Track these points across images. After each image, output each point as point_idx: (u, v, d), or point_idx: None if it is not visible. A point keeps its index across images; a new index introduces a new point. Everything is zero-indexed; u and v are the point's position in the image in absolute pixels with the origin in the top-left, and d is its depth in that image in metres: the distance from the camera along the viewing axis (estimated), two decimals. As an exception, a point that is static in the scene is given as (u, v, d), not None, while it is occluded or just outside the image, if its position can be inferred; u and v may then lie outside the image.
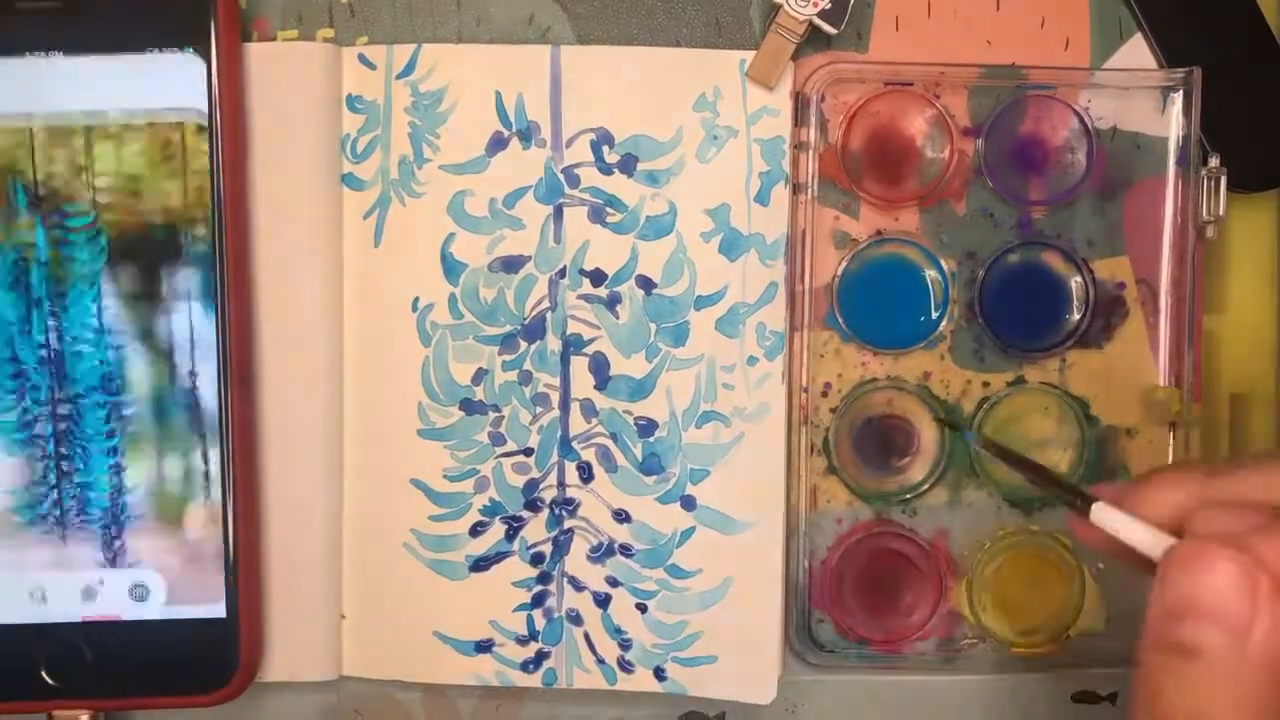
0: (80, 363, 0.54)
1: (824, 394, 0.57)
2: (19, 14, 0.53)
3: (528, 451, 0.56)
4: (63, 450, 0.54)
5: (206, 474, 0.54)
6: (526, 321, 0.56)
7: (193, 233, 0.53)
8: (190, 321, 0.54)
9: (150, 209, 0.53)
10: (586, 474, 0.56)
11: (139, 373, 0.54)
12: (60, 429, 0.54)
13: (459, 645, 0.57)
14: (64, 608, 0.54)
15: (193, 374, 0.54)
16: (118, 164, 0.53)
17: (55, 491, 0.54)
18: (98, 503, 0.54)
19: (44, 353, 0.54)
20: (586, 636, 0.57)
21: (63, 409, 0.54)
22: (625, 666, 0.56)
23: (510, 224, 0.56)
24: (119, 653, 0.54)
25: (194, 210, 0.53)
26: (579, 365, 0.56)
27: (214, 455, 0.54)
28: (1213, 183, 0.55)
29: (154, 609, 0.54)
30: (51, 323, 0.53)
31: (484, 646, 0.57)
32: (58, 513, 0.54)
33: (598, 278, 0.56)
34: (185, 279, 0.54)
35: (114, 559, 0.54)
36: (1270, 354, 0.58)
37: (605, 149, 0.55)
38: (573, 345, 0.56)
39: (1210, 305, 0.58)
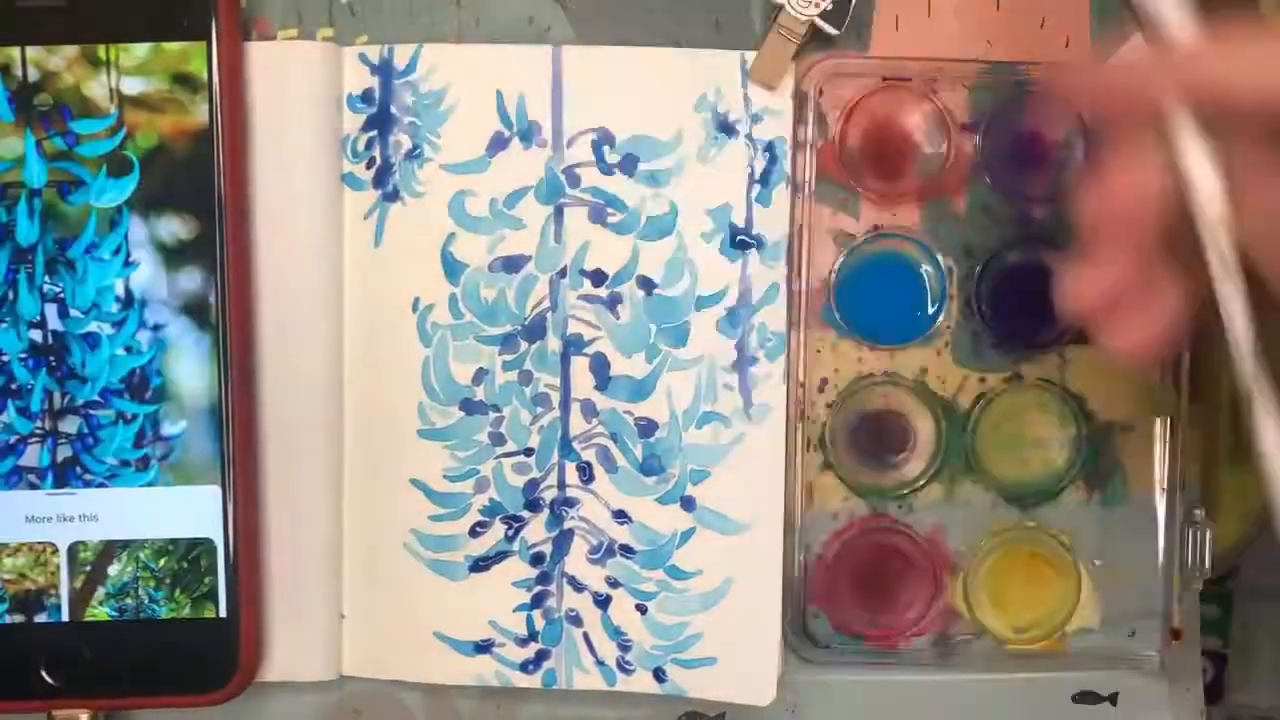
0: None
1: (820, 389, 0.57)
2: (19, 12, 0.53)
3: (528, 451, 0.56)
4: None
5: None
6: (527, 322, 0.56)
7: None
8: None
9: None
10: (587, 474, 0.56)
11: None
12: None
13: (458, 645, 0.57)
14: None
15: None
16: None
17: None
18: None
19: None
20: (586, 637, 0.57)
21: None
22: (625, 667, 0.57)
23: (511, 224, 0.56)
24: (118, 652, 0.54)
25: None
26: (579, 365, 0.56)
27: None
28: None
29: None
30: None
31: (484, 647, 0.57)
32: None
33: (598, 278, 0.56)
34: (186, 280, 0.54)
35: None
36: (1270, 354, 0.58)
37: (606, 149, 0.55)
38: (573, 345, 0.56)
39: (1210, 305, 0.58)
